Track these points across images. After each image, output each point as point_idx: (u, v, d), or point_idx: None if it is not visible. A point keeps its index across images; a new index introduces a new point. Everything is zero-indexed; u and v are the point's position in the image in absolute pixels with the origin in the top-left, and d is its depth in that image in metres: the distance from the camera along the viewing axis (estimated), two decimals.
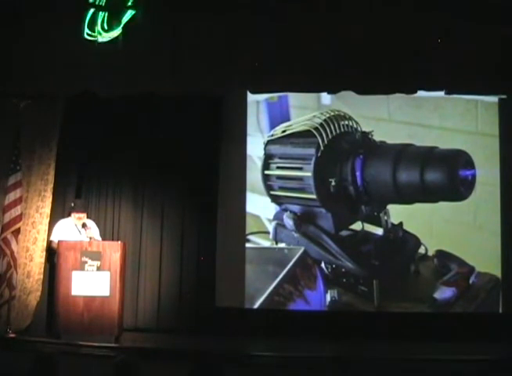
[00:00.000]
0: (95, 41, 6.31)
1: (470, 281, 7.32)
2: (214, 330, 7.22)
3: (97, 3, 6.36)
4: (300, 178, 7.58)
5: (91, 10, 6.34)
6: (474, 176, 7.27)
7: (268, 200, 7.68)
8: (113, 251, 6.55)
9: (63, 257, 6.47)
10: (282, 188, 7.67)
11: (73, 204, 7.10)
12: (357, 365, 5.90)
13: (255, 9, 6.18)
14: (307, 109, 7.71)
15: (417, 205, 7.27)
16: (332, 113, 7.53)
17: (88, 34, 6.31)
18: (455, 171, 7.19)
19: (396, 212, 7.42)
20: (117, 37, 6.29)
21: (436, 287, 7.35)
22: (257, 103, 7.81)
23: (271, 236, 7.65)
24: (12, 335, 6.59)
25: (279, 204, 7.67)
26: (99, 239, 6.92)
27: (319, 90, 7.17)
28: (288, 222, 7.54)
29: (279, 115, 7.78)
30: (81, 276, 6.44)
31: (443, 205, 7.25)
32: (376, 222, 7.47)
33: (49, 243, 6.96)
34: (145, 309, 7.52)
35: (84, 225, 6.88)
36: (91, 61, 6.36)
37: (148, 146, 7.68)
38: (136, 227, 7.69)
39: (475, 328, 7.02)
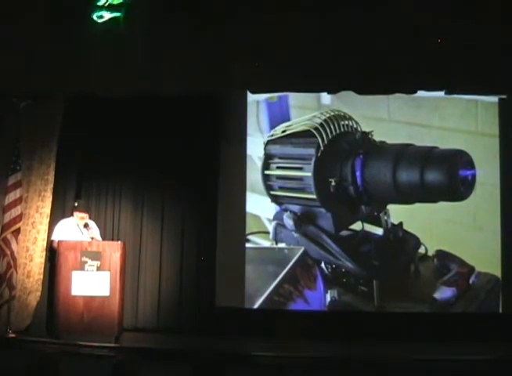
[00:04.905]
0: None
1: (470, 281, 7.32)
2: (214, 330, 7.22)
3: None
4: (300, 178, 7.57)
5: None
6: (474, 176, 7.26)
7: (268, 200, 7.68)
8: (113, 251, 6.56)
9: (63, 257, 6.47)
10: (282, 188, 7.67)
11: (76, 204, 7.09)
12: (357, 365, 5.90)
13: (255, 9, 6.19)
14: (307, 109, 7.71)
15: (417, 205, 7.26)
16: (332, 113, 7.52)
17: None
18: (455, 171, 7.19)
19: (396, 212, 7.41)
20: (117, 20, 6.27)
21: (436, 287, 7.35)
22: (257, 103, 7.81)
23: (271, 236, 7.65)
24: (12, 335, 6.60)
25: (279, 204, 7.67)
26: (100, 240, 6.92)
27: (319, 90, 7.18)
28: (288, 222, 7.54)
29: (279, 115, 7.78)
30: (81, 276, 6.44)
31: (443, 205, 7.25)
32: (376, 222, 7.47)
33: (51, 242, 6.96)
34: (145, 309, 7.52)
35: (86, 225, 6.89)
36: (91, 61, 6.36)
37: (148, 146, 7.68)
38: (136, 227, 7.68)
39: (475, 328, 7.02)
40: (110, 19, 6.29)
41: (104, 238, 7.26)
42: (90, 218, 7.18)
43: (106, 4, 6.32)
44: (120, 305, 6.57)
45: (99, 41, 6.37)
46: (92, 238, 6.77)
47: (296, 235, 7.55)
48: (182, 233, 7.68)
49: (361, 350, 6.46)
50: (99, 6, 6.27)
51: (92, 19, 6.36)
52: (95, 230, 6.95)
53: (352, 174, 7.34)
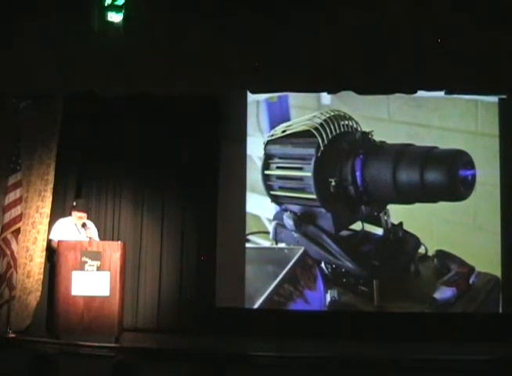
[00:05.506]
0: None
1: (470, 281, 7.33)
2: (214, 330, 7.22)
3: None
4: (300, 178, 7.58)
5: None
6: (474, 176, 7.27)
7: (268, 200, 7.68)
8: (113, 251, 6.56)
9: (63, 257, 6.47)
10: (282, 188, 7.67)
11: (74, 203, 7.11)
12: (357, 365, 5.90)
13: (255, 9, 6.18)
14: (307, 109, 7.71)
15: (417, 205, 7.27)
16: (332, 113, 7.53)
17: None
18: (455, 171, 7.20)
19: (396, 212, 7.42)
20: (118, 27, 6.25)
21: (436, 287, 7.35)
22: (257, 103, 7.81)
23: (271, 236, 7.65)
24: (12, 335, 6.59)
25: (279, 204, 7.67)
26: (98, 240, 6.92)
27: (319, 90, 7.17)
28: (288, 222, 7.54)
29: (279, 115, 7.78)
30: (81, 276, 6.44)
31: (443, 205, 7.25)
32: (376, 222, 7.47)
33: (49, 241, 6.98)
34: (145, 309, 7.52)
35: (84, 225, 6.89)
36: (91, 61, 6.35)
37: (148, 146, 7.68)
38: (136, 227, 7.68)
39: (475, 328, 7.02)
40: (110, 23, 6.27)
41: (104, 238, 7.27)
42: (90, 218, 7.19)
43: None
44: (120, 305, 6.57)
45: (99, 40, 6.36)
46: (90, 238, 6.77)
47: (296, 235, 7.55)
48: (182, 233, 7.68)
49: (361, 350, 6.46)
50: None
51: (92, 19, 6.36)
52: (93, 230, 6.96)
53: (352, 174, 7.35)
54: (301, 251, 7.52)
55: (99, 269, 6.46)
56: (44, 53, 6.39)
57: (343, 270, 7.44)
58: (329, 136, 7.41)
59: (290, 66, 6.20)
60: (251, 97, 7.67)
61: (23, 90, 6.72)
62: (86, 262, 6.46)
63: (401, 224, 7.41)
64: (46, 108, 7.26)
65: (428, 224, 7.42)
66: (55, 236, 6.88)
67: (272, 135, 7.72)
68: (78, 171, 7.69)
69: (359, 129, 7.51)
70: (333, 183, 7.35)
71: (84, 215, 6.99)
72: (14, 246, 6.78)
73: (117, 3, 6.22)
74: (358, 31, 6.08)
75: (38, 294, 7.02)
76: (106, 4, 6.26)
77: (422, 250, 7.40)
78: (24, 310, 6.95)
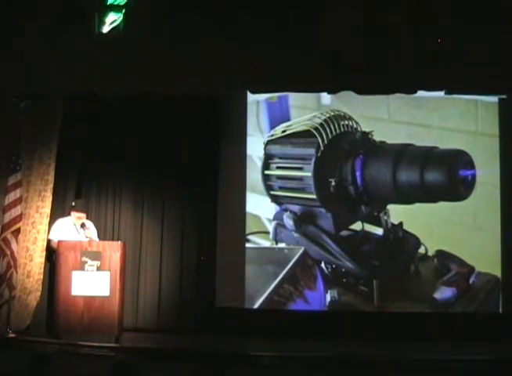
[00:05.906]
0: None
1: (470, 281, 7.33)
2: (214, 330, 7.22)
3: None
4: (300, 178, 7.58)
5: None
6: (474, 176, 7.27)
7: (268, 200, 7.68)
8: (113, 251, 6.56)
9: (63, 257, 6.47)
10: (282, 188, 7.67)
11: (73, 204, 7.12)
12: (357, 365, 5.90)
13: (255, 8, 6.18)
14: (307, 109, 7.71)
15: (417, 205, 7.27)
16: (332, 113, 7.53)
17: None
18: (455, 171, 7.20)
19: (396, 212, 7.42)
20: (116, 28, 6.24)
21: (436, 287, 7.35)
22: (257, 103, 7.81)
23: (271, 236, 7.65)
24: (12, 335, 6.59)
25: (279, 204, 7.67)
26: (97, 240, 6.93)
27: (319, 90, 7.17)
28: (288, 222, 7.54)
29: (279, 115, 7.78)
30: (81, 276, 6.45)
31: (443, 205, 7.25)
32: (376, 222, 7.47)
33: (48, 242, 6.98)
34: (145, 309, 7.52)
35: (82, 225, 6.90)
36: (91, 61, 6.35)
37: (148, 146, 7.68)
38: (136, 227, 7.68)
39: (475, 328, 7.02)
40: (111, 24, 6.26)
41: (104, 238, 7.27)
42: (90, 218, 7.19)
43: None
44: (120, 305, 6.57)
45: (99, 41, 6.36)
46: (89, 238, 6.77)
47: (296, 235, 7.55)
48: (182, 233, 7.68)
49: (361, 350, 6.45)
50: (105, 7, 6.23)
51: (93, 19, 6.35)
52: (92, 230, 6.97)
53: (352, 174, 7.35)
54: (301, 251, 7.52)
55: (99, 269, 6.47)
56: (44, 53, 6.38)
57: (343, 270, 7.44)
58: (329, 136, 7.41)
59: (290, 66, 6.20)
60: (251, 97, 7.66)
61: (23, 90, 6.72)
62: (86, 262, 6.46)
63: (401, 224, 7.41)
64: (46, 108, 7.26)
65: (428, 224, 7.42)
66: (54, 237, 6.89)
67: (272, 135, 7.72)
68: (78, 171, 7.69)
69: (359, 129, 7.51)
70: (333, 183, 7.35)
71: (83, 215, 6.99)
72: (14, 246, 6.78)
73: (117, 3, 6.21)
74: (358, 31, 6.08)
75: (38, 294, 7.02)
76: (106, 4, 6.26)
77: (422, 250, 7.40)
78: (24, 310, 6.95)
